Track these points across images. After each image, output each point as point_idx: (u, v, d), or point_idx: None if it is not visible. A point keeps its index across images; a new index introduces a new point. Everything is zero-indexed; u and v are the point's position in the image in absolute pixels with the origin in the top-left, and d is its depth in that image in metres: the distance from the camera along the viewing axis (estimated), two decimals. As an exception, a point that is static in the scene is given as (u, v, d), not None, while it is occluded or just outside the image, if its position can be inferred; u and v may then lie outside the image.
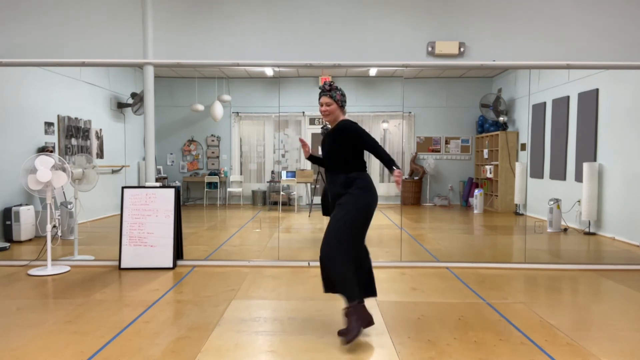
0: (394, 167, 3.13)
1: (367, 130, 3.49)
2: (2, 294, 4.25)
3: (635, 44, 5.31)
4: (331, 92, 3.32)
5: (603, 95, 7.36)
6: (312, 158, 3.64)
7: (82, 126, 8.36)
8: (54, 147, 7.50)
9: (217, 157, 11.88)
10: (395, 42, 5.41)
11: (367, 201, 3.22)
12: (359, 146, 3.28)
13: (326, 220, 7.85)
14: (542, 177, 8.98)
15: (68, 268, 5.14)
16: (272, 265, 5.38)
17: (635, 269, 5.32)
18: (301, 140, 3.52)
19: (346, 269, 3.14)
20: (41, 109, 7.33)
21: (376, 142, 3.25)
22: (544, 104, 8.90)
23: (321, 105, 3.35)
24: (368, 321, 3.21)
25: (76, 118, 8.17)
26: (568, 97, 8.18)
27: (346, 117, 3.42)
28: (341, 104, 3.35)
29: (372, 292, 3.43)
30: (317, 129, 11.64)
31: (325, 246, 3.18)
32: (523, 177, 9.24)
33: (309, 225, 8.38)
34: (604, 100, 7.33)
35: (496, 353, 3.02)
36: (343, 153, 3.28)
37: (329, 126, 3.58)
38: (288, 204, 11.34)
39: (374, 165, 11.58)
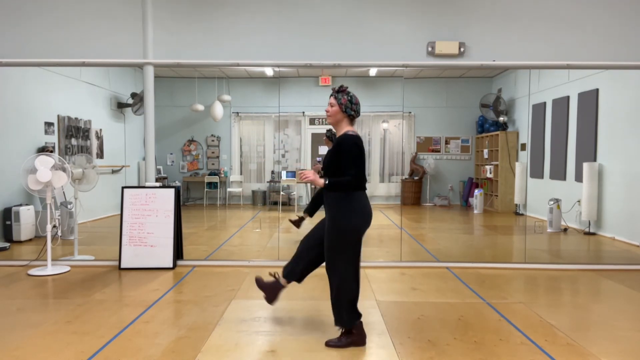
0: (326, 182, 3.06)
1: (367, 130, 3.44)
2: (2, 294, 4.25)
3: (635, 44, 5.31)
4: (338, 94, 3.16)
5: (603, 95, 7.36)
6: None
7: (82, 126, 8.36)
8: (54, 147, 7.50)
9: (217, 157, 11.88)
10: (395, 42, 5.41)
11: (341, 227, 3.06)
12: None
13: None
14: (542, 177, 8.98)
15: (68, 268, 5.14)
16: (272, 265, 5.37)
17: (635, 269, 5.31)
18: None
19: (342, 295, 3.14)
20: (41, 109, 7.33)
21: (352, 170, 3.02)
22: (544, 104, 8.90)
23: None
24: (362, 342, 3.19)
25: (76, 118, 8.17)
26: (568, 97, 8.18)
27: (352, 129, 3.19)
28: (344, 109, 3.13)
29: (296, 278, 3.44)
30: (317, 129, 11.63)
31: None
32: (523, 177, 9.24)
33: (310, 225, 8.36)
34: (604, 100, 7.33)
35: (496, 353, 3.03)
36: (338, 170, 3.08)
37: (334, 131, 3.50)
38: (288, 204, 11.34)
39: (373, 165, 11.59)
